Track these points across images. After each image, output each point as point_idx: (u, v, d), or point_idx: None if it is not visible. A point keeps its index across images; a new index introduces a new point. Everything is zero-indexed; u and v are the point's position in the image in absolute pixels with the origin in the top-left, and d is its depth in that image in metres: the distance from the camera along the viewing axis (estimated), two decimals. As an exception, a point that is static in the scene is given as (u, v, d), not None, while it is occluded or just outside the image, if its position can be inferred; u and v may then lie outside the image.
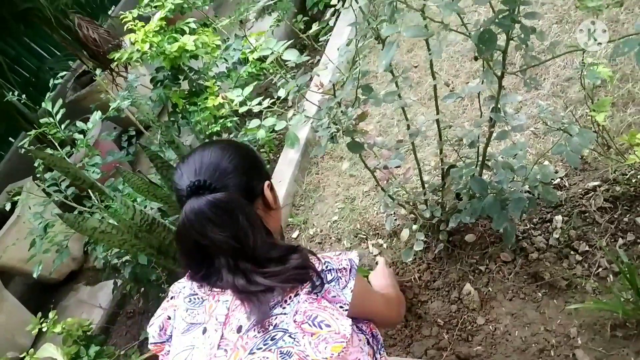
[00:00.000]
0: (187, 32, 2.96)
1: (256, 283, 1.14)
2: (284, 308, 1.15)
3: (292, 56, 1.59)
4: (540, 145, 2.34)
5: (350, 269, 1.26)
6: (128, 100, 2.54)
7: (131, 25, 2.73)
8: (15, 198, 2.86)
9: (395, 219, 2.37)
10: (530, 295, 1.95)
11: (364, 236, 2.55)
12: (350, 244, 2.56)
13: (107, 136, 3.10)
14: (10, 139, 4.63)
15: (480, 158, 1.89)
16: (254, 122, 1.62)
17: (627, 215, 1.95)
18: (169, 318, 1.38)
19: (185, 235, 1.20)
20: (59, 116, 2.58)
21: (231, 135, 2.89)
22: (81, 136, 2.59)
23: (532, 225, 2.12)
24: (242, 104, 1.56)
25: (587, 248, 1.95)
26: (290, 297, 1.16)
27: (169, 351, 1.34)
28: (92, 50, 3.72)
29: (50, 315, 2.47)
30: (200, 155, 1.26)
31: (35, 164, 2.52)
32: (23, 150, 2.55)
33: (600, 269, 1.89)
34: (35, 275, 2.47)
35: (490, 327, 1.95)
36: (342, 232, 2.64)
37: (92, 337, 2.66)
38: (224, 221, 1.16)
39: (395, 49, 1.20)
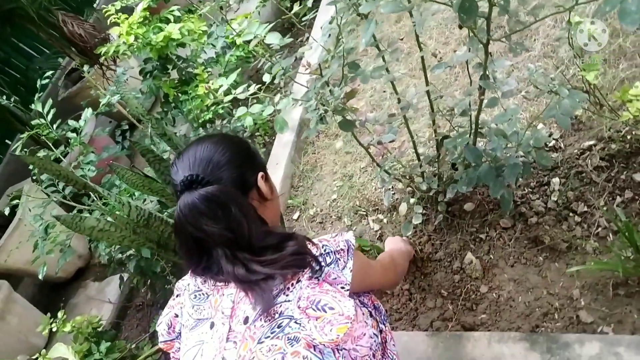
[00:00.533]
0: (172, 20, 2.93)
1: (255, 272, 1.16)
2: (287, 295, 1.16)
3: (274, 39, 1.57)
4: (533, 108, 2.32)
5: (347, 249, 1.28)
6: (117, 95, 2.53)
7: (114, 18, 2.70)
8: (14, 202, 2.86)
9: (394, 194, 2.37)
10: (532, 260, 1.96)
11: (364, 212, 2.55)
12: (351, 221, 2.57)
13: (101, 132, 3.09)
14: (7, 141, 4.63)
15: (474, 127, 1.87)
16: (241, 110, 1.61)
17: (624, 173, 1.94)
18: (176, 316, 1.40)
19: (182, 229, 1.21)
20: (50, 116, 2.57)
21: (224, 122, 2.88)
22: (74, 135, 2.58)
23: (529, 190, 2.12)
24: (227, 92, 1.55)
25: (585, 209, 1.95)
26: (292, 284, 1.17)
27: (179, 348, 1.37)
28: (80, 46, 3.69)
29: (59, 315, 2.50)
30: (194, 151, 1.27)
31: (30, 167, 2.52)
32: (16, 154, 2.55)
33: (599, 229, 1.89)
34: (40, 277, 2.48)
35: (494, 294, 1.96)
36: (342, 210, 2.64)
37: (103, 333, 2.69)
38: (217, 214, 1.17)
39: (375, 25, 1.19)
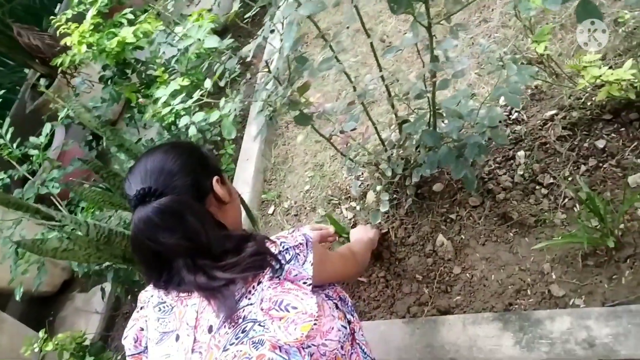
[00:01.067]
0: (126, 24, 2.86)
1: (216, 278, 1.14)
2: (249, 299, 1.14)
3: (213, 43, 1.53)
4: (489, 85, 2.28)
5: (306, 243, 1.27)
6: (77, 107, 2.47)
7: (63, 29, 2.64)
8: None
9: (361, 183, 2.35)
10: (502, 237, 1.94)
11: (337, 202, 2.52)
12: (325, 211, 2.54)
13: (67, 145, 3.04)
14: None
15: (432, 109, 1.84)
16: (184, 120, 1.57)
17: (587, 141, 1.92)
18: (142, 329, 1.38)
19: (139, 244, 1.20)
20: (8, 135, 2.52)
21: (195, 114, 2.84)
22: (36, 151, 2.54)
23: (496, 165, 2.09)
24: (165, 104, 1.51)
25: (551, 180, 1.92)
26: (253, 287, 1.16)
27: None
28: (40, 58, 3.63)
29: (41, 334, 2.48)
30: (145, 163, 1.25)
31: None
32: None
33: (566, 200, 1.87)
34: (17, 298, 2.47)
35: (467, 274, 1.95)
36: (316, 201, 2.62)
37: (89, 346, 2.67)
38: (173, 225, 1.16)
39: (297, 28, 1.15)
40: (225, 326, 1.13)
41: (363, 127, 2.39)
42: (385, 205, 2.04)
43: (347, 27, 2.86)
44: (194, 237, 1.15)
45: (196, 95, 1.52)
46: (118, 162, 2.78)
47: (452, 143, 1.80)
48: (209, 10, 3.32)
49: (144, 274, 1.31)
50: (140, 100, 1.60)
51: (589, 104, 1.95)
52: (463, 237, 2.02)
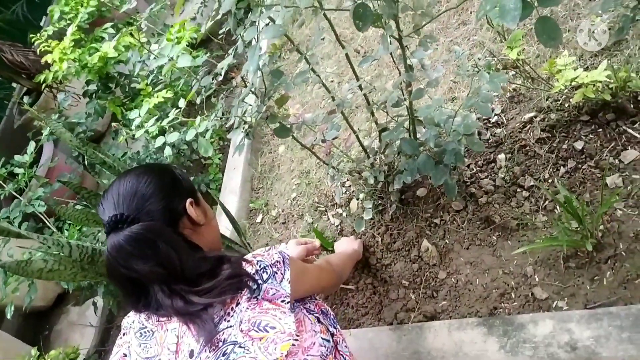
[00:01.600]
0: (107, 38, 2.86)
1: (194, 303, 1.14)
2: (228, 321, 1.15)
3: (186, 62, 1.53)
4: (467, 90, 2.29)
5: (283, 260, 1.28)
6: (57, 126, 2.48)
7: (44, 47, 2.64)
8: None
9: (345, 190, 2.36)
10: (486, 241, 1.95)
11: (324, 208, 2.53)
12: (312, 218, 2.55)
13: (49, 163, 3.04)
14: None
15: (410, 117, 1.85)
16: (159, 140, 1.57)
17: (566, 142, 1.93)
18: (125, 355, 1.38)
19: (114, 271, 1.20)
20: (-8, 155, 2.53)
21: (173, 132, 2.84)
22: (21, 170, 2.54)
23: (478, 168, 2.10)
24: (139, 126, 1.51)
25: (532, 182, 1.93)
26: (232, 309, 1.16)
27: None
28: (26, 73, 3.63)
29: (33, 352, 2.49)
30: (117, 187, 1.25)
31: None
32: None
33: (547, 202, 1.88)
34: (9, 316, 2.47)
35: (453, 279, 1.96)
36: (303, 208, 2.63)
37: (83, 361, 2.68)
38: (146, 253, 1.15)
39: (260, 51, 1.15)
40: (205, 350, 1.13)
41: (345, 134, 2.40)
42: (368, 213, 2.05)
43: (323, 38, 2.87)
44: (168, 264, 1.15)
45: (172, 114, 1.52)
46: (105, 177, 2.79)
47: (431, 150, 1.81)
48: (193, 19, 3.33)
49: (122, 298, 1.31)
50: (114, 124, 1.60)
51: (566, 105, 1.96)
52: (447, 242, 2.03)
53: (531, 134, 2.02)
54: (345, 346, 1.49)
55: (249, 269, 1.21)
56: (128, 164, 2.23)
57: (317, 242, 1.99)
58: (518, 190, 1.97)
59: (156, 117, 1.51)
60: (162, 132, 2.85)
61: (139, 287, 1.21)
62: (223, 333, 1.14)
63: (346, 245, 2.05)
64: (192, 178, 3.01)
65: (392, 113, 1.97)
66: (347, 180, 2.44)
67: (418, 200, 2.20)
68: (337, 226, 2.43)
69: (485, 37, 2.37)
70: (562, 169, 1.89)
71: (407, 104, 1.78)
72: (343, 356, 1.44)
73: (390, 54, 1.85)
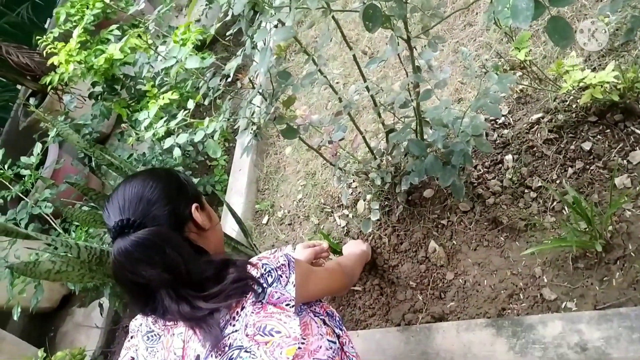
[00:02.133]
0: (113, 40, 2.87)
1: (200, 308, 1.14)
2: (233, 325, 1.15)
3: (194, 64, 1.53)
4: (476, 90, 2.29)
5: (288, 263, 1.27)
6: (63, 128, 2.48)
7: (50, 48, 2.64)
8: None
9: (352, 191, 2.36)
10: (493, 242, 1.95)
11: (330, 210, 2.53)
12: (318, 219, 2.55)
13: (55, 165, 3.05)
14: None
15: (418, 118, 1.85)
16: (168, 142, 1.57)
17: (573, 143, 1.93)
18: (133, 358, 1.38)
19: (120, 276, 1.19)
20: (0, 156, 2.53)
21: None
22: (27, 172, 2.54)
23: (485, 169, 2.10)
24: (148, 127, 1.51)
25: (540, 183, 1.93)
26: (237, 313, 1.16)
27: None
28: (31, 75, 3.63)
29: (39, 353, 2.49)
30: (123, 191, 1.24)
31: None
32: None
33: (555, 203, 1.88)
34: (15, 318, 2.47)
35: (460, 280, 1.96)
36: (309, 209, 2.63)
37: (89, 362, 2.68)
38: (153, 258, 1.15)
39: (270, 53, 1.15)
40: (212, 355, 1.13)
41: (352, 135, 2.40)
42: (375, 214, 2.05)
43: (330, 40, 2.87)
44: (174, 269, 1.15)
45: (181, 115, 1.52)
46: (111, 178, 2.79)
47: (438, 151, 1.81)
48: (198, 21, 3.33)
49: (129, 302, 1.31)
50: (123, 125, 1.61)
51: (574, 106, 1.96)
52: (455, 243, 2.03)
53: (538, 135, 2.02)
54: (352, 347, 1.49)
55: (254, 272, 1.21)
56: (134, 166, 2.23)
57: (325, 244, 1.99)
58: (526, 191, 1.96)
59: (162, 118, 1.51)
60: (168, 133, 2.86)
61: (145, 291, 1.21)
62: (229, 338, 1.14)
63: (354, 247, 2.05)
64: (197, 180, 3.01)
65: (399, 114, 1.97)
66: (354, 181, 2.44)
67: (425, 201, 2.19)
68: (343, 227, 2.43)
69: (492, 38, 2.37)
70: (570, 170, 1.89)
71: (415, 105, 1.78)
72: (349, 357, 1.44)
73: (398, 55, 1.86)
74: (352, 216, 2.42)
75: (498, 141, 2.11)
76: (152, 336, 1.28)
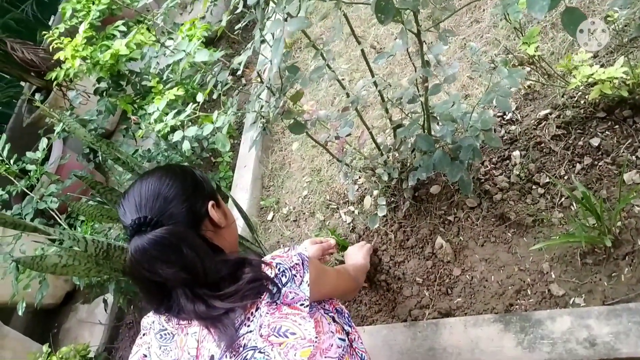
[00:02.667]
0: (119, 36, 2.87)
1: (215, 307, 1.14)
2: (248, 326, 1.15)
3: (203, 57, 1.53)
4: (483, 86, 2.28)
5: (302, 262, 1.27)
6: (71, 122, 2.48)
7: (56, 43, 2.64)
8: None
9: (358, 187, 2.35)
10: (500, 238, 1.94)
11: (335, 206, 2.53)
12: (324, 216, 2.55)
13: (59, 160, 3.05)
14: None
15: (426, 113, 1.85)
16: (177, 134, 1.57)
17: (581, 139, 1.92)
18: (145, 356, 1.38)
19: (137, 274, 1.19)
20: (6, 151, 2.53)
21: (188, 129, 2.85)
22: (33, 167, 2.54)
23: (492, 165, 2.10)
24: (158, 119, 1.51)
25: (547, 179, 1.93)
26: (252, 313, 1.16)
27: None
28: (35, 71, 3.63)
29: (44, 348, 2.49)
30: (139, 188, 1.24)
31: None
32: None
33: (562, 199, 1.87)
34: (20, 313, 2.47)
35: (467, 276, 1.95)
36: (314, 206, 2.62)
37: (93, 358, 2.68)
38: (170, 257, 1.15)
39: (284, 44, 1.15)
40: (226, 356, 1.13)
41: (358, 131, 2.39)
42: (382, 209, 2.05)
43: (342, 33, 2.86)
44: (191, 268, 1.15)
45: (189, 108, 1.52)
46: (117, 173, 2.79)
47: (446, 146, 1.80)
48: (202, 18, 3.33)
49: (143, 300, 1.30)
50: (133, 117, 1.61)
51: (582, 102, 1.96)
52: (462, 239, 2.03)
53: (546, 130, 2.01)
54: (361, 343, 1.49)
55: (269, 272, 1.21)
56: (139, 161, 2.23)
57: (332, 241, 1.98)
58: (533, 187, 1.96)
59: (167, 114, 1.50)
60: (173, 129, 2.86)
61: (161, 289, 1.21)
62: (243, 338, 1.14)
63: (356, 257, 2.05)
64: (202, 176, 3.01)
65: (406, 109, 1.96)
66: (360, 177, 2.44)
67: (431, 197, 2.19)
68: (349, 224, 2.43)
69: (499, 35, 2.37)
70: (578, 166, 1.89)
71: (423, 100, 1.77)
72: (358, 353, 1.44)
73: (406, 50, 1.86)
74: (358, 212, 2.41)
75: (505, 137, 2.11)
76: (165, 334, 1.28)
